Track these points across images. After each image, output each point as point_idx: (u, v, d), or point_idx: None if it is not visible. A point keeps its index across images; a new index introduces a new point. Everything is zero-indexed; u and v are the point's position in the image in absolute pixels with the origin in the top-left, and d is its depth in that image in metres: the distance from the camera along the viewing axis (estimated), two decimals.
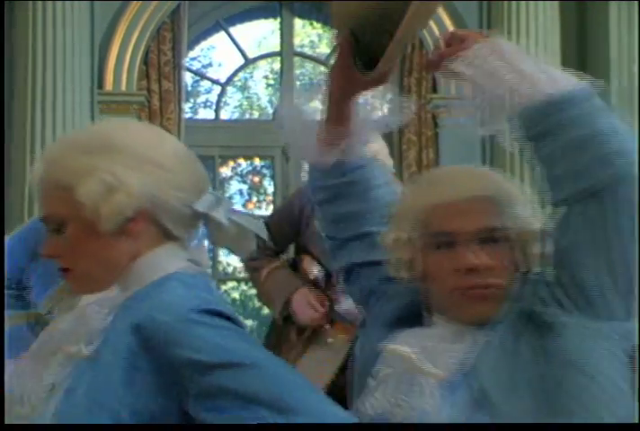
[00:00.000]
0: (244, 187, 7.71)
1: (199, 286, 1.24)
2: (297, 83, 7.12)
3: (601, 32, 5.99)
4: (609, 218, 1.22)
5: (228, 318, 1.18)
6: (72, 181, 1.21)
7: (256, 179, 7.51)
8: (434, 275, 1.30)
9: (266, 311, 5.74)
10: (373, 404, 1.25)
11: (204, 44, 7.08)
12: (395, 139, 6.26)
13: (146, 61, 6.09)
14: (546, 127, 1.25)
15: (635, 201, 1.21)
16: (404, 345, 1.26)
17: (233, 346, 1.14)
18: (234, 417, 1.09)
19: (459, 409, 1.21)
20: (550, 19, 5.75)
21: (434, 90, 6.27)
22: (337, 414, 1.10)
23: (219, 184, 7.07)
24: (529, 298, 1.27)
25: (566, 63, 5.74)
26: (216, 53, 7.38)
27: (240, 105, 7.48)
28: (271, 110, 7.34)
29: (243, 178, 7.71)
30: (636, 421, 1.23)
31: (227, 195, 7.47)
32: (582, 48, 6.15)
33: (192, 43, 6.74)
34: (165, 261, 1.25)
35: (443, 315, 1.29)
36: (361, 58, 1.31)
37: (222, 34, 6.90)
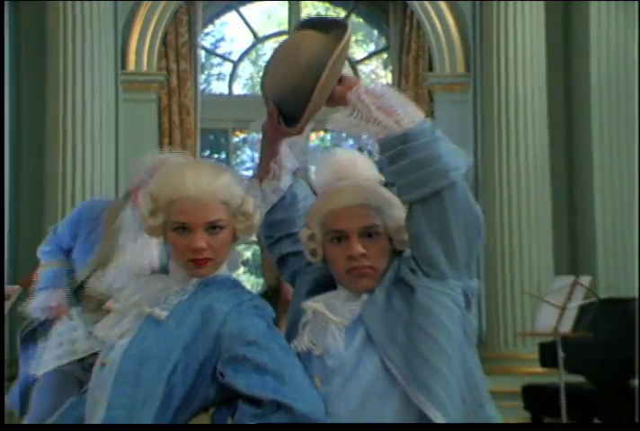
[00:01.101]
0: (256, 155, 8.18)
1: (241, 285, 1.85)
2: None
3: (582, 31, 6.27)
4: (449, 212, 1.74)
5: (265, 310, 1.78)
6: (237, 200, 1.77)
7: None
8: (332, 260, 1.83)
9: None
10: (298, 344, 1.81)
11: (217, 22, 7.49)
12: None
13: (164, 42, 6.55)
14: (397, 151, 1.74)
15: (463, 202, 1.74)
16: (316, 302, 1.82)
17: (261, 331, 1.71)
18: (246, 377, 1.68)
19: (355, 345, 1.77)
20: (536, 19, 6.07)
21: (430, 68, 6.68)
22: (309, 386, 1.73)
23: (233, 150, 7.61)
24: (402, 269, 1.81)
25: (552, 60, 6.13)
26: (228, 28, 7.75)
27: (251, 77, 7.90)
28: None
29: (254, 146, 8.16)
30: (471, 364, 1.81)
31: (239, 160, 8.01)
32: (568, 47, 6.49)
33: (206, 22, 7.15)
34: (227, 264, 1.85)
35: (342, 286, 1.85)
36: (284, 118, 1.81)
37: (234, 13, 7.34)
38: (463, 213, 1.76)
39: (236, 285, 1.83)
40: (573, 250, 6.35)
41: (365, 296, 1.82)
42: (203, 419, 1.78)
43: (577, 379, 4.95)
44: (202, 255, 1.75)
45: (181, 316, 1.73)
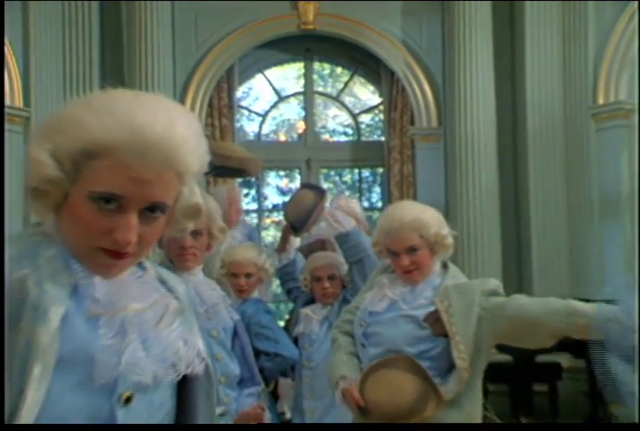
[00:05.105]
0: (280, 182, 10.00)
1: (261, 300, 3.74)
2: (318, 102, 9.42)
3: (520, 92, 7.78)
4: (366, 268, 3.62)
5: (270, 311, 3.69)
6: (261, 262, 3.68)
7: (286, 181, 9.81)
8: (314, 290, 3.78)
9: None
10: (298, 329, 3.76)
11: (247, 81, 9.33)
12: (385, 157, 8.52)
13: (210, 105, 8.39)
14: (342, 240, 3.69)
15: (373, 263, 3.60)
16: (307, 310, 3.76)
17: (267, 321, 3.55)
18: (262, 342, 3.53)
19: (324, 329, 3.73)
20: (488, 87, 7.74)
21: (412, 122, 8.44)
22: (291, 344, 3.65)
23: (261, 178, 9.37)
24: (346, 294, 3.74)
25: (500, 116, 7.78)
26: (257, 82, 9.50)
27: (276, 127, 9.65)
28: (299, 124, 9.49)
29: (281, 178, 9.99)
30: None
31: (265, 183, 9.77)
32: (514, 105, 7.97)
33: (241, 81, 9.01)
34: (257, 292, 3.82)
35: (319, 302, 3.80)
36: (293, 229, 3.83)
37: (261, 75, 9.24)
38: (373, 267, 3.67)
39: (259, 300, 3.73)
40: (518, 262, 7.90)
41: (329, 307, 3.84)
42: None
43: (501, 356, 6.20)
44: (243, 288, 3.68)
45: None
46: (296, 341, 3.97)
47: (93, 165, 1.16)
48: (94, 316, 1.18)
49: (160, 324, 1.24)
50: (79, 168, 1.17)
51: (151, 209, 1.19)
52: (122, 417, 1.18)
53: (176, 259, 2.78)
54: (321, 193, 3.82)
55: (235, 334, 2.99)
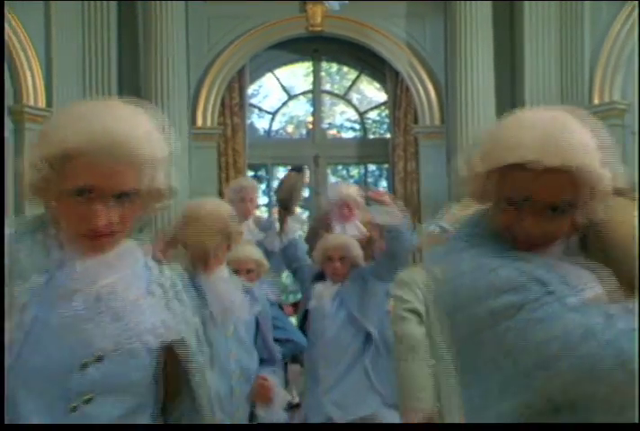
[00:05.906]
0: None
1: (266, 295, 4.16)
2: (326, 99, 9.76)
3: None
4: (389, 257, 4.05)
5: (273, 303, 4.01)
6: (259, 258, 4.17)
7: None
8: (325, 268, 4.20)
9: None
10: (312, 303, 4.22)
11: (258, 80, 9.65)
12: (390, 154, 8.85)
13: (222, 104, 8.71)
14: (385, 233, 4.08)
15: (408, 247, 4.13)
16: (319, 286, 4.19)
17: (277, 312, 3.91)
18: (274, 331, 3.81)
19: (335, 304, 4.14)
20: (488, 89, 8.11)
21: (415, 121, 8.78)
22: (298, 331, 4.15)
23: (271, 172, 9.63)
24: (362, 272, 4.16)
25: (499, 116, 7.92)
26: (267, 80, 9.84)
27: (285, 124, 9.99)
28: (307, 119, 9.79)
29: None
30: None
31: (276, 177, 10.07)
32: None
33: (251, 80, 9.32)
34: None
35: (330, 279, 4.20)
36: (285, 208, 4.40)
37: (270, 74, 9.57)
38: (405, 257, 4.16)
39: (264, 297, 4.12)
40: None
41: (339, 284, 4.23)
42: None
43: None
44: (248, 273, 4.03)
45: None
46: (306, 316, 4.37)
47: (70, 165, 1.41)
48: (71, 292, 1.43)
49: (131, 298, 1.46)
50: (63, 168, 1.41)
51: (119, 197, 1.42)
52: (93, 371, 1.40)
53: (199, 262, 3.13)
54: (300, 170, 4.34)
55: (257, 322, 3.40)
